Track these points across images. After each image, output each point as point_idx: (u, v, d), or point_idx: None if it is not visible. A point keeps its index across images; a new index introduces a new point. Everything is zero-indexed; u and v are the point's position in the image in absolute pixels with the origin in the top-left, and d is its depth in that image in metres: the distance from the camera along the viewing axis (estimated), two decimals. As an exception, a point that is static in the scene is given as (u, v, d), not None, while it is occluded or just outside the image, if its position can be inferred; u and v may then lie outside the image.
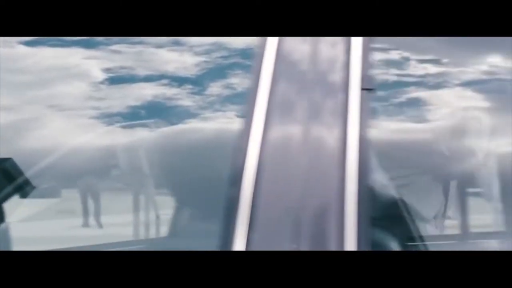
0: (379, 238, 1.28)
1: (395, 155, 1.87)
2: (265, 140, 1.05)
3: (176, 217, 1.63)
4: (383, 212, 1.44)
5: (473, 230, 1.77)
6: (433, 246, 1.59)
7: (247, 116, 1.09)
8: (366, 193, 1.04)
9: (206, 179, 1.41)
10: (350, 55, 1.14)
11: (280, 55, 1.14)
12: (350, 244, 1.00)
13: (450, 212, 1.85)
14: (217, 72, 1.55)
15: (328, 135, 1.07)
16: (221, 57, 1.55)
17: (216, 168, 1.38)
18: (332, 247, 1.00)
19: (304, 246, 1.00)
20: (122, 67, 1.66)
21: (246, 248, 0.98)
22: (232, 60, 1.53)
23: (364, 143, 1.05)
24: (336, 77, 1.12)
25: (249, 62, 1.24)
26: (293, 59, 1.16)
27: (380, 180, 1.23)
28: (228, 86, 1.54)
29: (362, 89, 1.11)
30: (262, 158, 1.04)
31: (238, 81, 1.49)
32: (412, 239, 1.72)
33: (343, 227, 1.00)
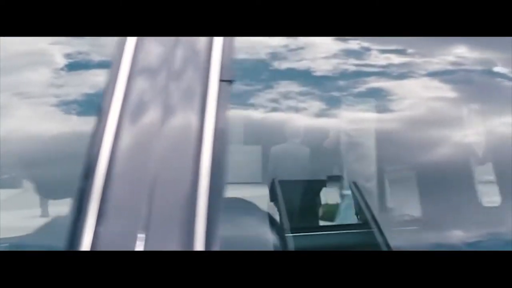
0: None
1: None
2: (119, 134, 1.02)
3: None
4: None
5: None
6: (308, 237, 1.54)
7: (104, 110, 1.07)
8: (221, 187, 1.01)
9: None
10: (211, 47, 1.12)
11: (140, 47, 1.11)
12: (199, 241, 0.96)
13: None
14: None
15: (184, 128, 1.05)
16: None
17: None
18: (180, 244, 0.96)
19: (152, 242, 0.96)
20: (79, 53, 1.65)
21: (91, 245, 0.94)
22: None
23: (219, 135, 1.02)
24: (196, 69, 1.09)
25: None
26: (154, 52, 1.12)
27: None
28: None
29: (221, 80, 1.08)
30: (115, 152, 1.01)
31: None
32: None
33: (193, 223, 0.97)
